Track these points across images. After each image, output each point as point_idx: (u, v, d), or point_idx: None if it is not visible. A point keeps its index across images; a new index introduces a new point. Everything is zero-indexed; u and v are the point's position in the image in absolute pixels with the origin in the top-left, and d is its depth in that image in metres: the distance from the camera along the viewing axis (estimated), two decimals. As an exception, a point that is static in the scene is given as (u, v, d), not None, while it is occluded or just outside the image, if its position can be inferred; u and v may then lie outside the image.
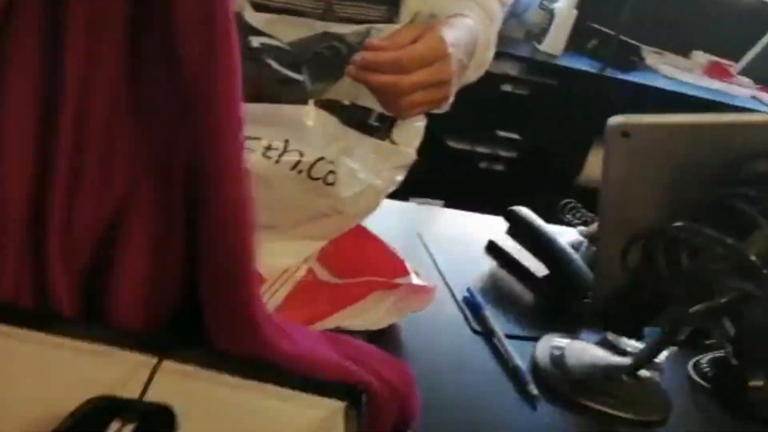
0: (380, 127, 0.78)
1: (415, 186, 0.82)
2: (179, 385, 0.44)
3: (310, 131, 0.68)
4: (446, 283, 0.91)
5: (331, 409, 0.46)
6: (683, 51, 3.02)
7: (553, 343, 0.84)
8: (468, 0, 0.83)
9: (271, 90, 0.69)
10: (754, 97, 2.71)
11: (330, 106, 0.73)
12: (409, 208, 1.11)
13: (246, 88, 0.43)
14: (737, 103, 2.60)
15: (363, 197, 0.75)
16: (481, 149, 2.44)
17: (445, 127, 2.39)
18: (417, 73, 0.63)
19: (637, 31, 2.66)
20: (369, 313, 0.72)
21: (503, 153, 2.48)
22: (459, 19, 0.74)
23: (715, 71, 2.89)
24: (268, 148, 0.67)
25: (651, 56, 2.83)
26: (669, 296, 0.53)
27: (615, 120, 0.53)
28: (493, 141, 2.47)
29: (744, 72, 0.90)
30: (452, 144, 2.38)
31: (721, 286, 0.47)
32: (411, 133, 0.82)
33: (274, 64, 0.69)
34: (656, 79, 2.64)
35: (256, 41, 0.71)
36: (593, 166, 2.57)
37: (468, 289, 0.89)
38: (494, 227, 1.04)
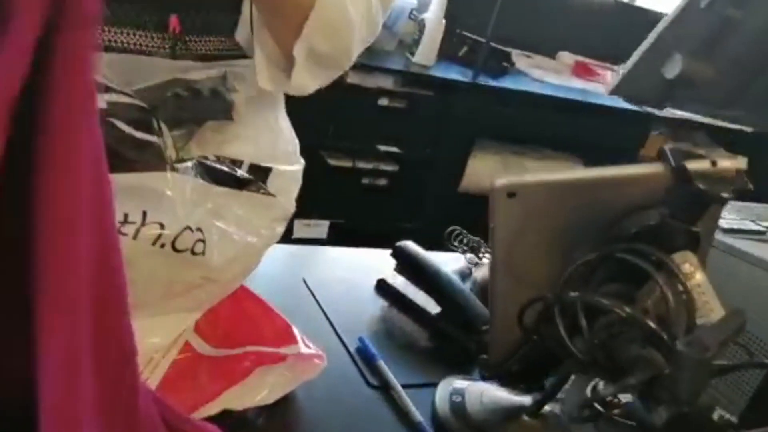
0: (253, 180, 0.73)
1: (299, 207, 0.77)
2: None
3: (170, 200, 0.61)
4: (337, 335, 0.86)
5: None
6: (551, 53, 3.13)
7: (452, 387, 0.80)
8: None
9: (123, 156, 0.61)
10: (617, 95, 2.84)
11: (193, 165, 0.66)
12: (292, 251, 1.05)
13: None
14: (603, 101, 2.71)
15: (239, 260, 0.69)
16: (362, 165, 2.41)
17: (326, 145, 2.35)
18: None
19: (505, 36, 2.72)
20: (255, 391, 0.66)
21: (385, 167, 2.46)
22: None
23: (582, 71, 3.01)
24: (124, 222, 0.60)
25: (520, 60, 2.91)
26: (572, 357, 0.51)
27: (500, 181, 0.50)
28: (374, 156, 2.45)
29: (616, 92, 0.91)
30: (333, 162, 2.34)
31: (627, 354, 0.45)
32: (288, 181, 0.77)
33: (123, 126, 0.62)
34: (527, 82, 2.71)
35: (101, 99, 0.63)
36: (473, 173, 2.61)
37: (360, 339, 0.85)
38: (383, 264, 1.01)
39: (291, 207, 0.76)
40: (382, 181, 2.49)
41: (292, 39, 0.67)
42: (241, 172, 0.72)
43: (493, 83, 2.54)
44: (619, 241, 0.49)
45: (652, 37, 0.83)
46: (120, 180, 0.60)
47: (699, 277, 0.48)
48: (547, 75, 2.84)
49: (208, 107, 0.74)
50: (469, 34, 2.70)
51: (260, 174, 0.75)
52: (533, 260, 0.52)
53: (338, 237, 2.34)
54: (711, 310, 0.47)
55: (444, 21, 2.51)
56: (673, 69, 0.83)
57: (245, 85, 0.74)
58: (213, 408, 0.64)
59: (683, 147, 0.49)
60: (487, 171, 2.58)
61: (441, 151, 2.53)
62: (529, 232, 0.51)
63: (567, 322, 0.48)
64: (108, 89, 0.64)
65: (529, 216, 0.50)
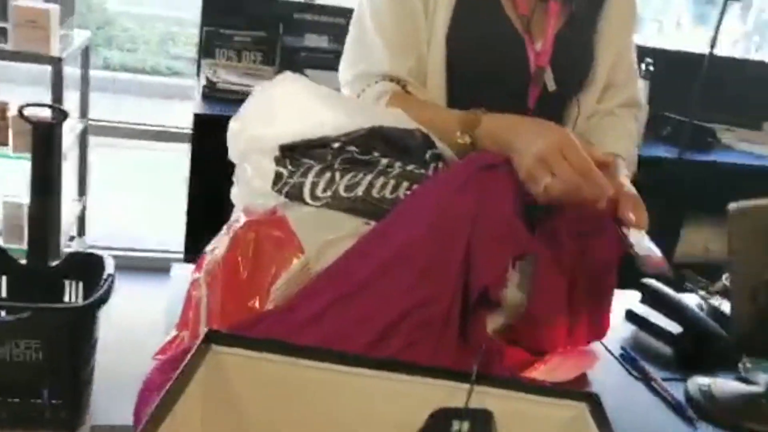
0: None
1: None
2: (481, 400, 0.70)
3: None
4: (605, 347, 1.14)
5: (577, 409, 0.71)
6: (755, 126, 3.22)
7: (699, 382, 1.06)
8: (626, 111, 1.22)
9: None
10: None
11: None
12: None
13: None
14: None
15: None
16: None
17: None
18: None
19: (708, 114, 2.89)
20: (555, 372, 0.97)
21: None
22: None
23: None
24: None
25: (725, 134, 3.05)
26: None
27: (734, 205, 0.79)
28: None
29: None
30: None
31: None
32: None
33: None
34: (733, 155, 2.85)
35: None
36: (687, 243, 2.76)
37: (622, 347, 1.13)
38: (629, 298, 1.29)
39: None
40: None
41: None
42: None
43: (699, 158, 2.72)
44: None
45: None
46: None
47: None
48: (752, 147, 2.96)
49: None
50: (672, 115, 2.90)
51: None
52: (759, 260, 0.79)
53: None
54: None
55: (647, 105, 2.75)
56: None
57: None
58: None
59: None
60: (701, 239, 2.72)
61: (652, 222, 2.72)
62: (756, 239, 0.78)
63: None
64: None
65: (756, 230, 0.78)
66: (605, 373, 1.07)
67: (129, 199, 3.46)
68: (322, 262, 0.89)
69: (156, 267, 2.71)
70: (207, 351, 0.68)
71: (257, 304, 0.88)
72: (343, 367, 0.70)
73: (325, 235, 0.90)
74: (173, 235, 2.41)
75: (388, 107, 1.09)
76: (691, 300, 1.31)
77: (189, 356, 0.64)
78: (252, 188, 0.99)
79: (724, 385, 1.05)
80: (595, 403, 0.71)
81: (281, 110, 0.98)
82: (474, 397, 0.70)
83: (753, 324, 0.85)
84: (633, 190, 1.02)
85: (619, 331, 1.23)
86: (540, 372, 0.96)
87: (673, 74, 2.76)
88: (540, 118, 1.01)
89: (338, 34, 2.58)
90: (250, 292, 0.89)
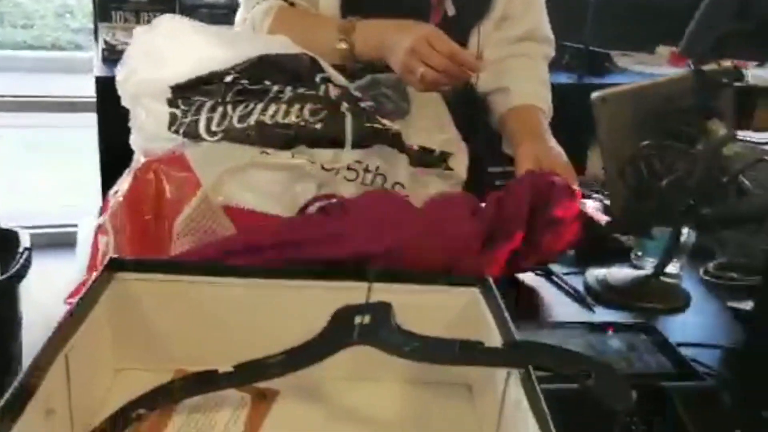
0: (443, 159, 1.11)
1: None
2: (381, 296, 0.74)
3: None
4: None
5: (471, 294, 0.76)
6: (648, 48, 3.37)
7: (595, 273, 1.14)
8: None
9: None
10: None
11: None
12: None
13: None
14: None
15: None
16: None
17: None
18: None
19: (603, 40, 3.01)
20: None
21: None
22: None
23: (676, 60, 3.23)
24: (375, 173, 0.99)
25: (621, 59, 3.18)
26: (662, 202, 0.84)
27: (595, 93, 0.87)
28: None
29: (684, 52, 1.18)
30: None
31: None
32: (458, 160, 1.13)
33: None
34: (630, 76, 2.98)
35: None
36: (596, 163, 2.88)
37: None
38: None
39: (463, 175, 1.13)
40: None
41: None
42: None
43: (597, 81, 2.83)
44: (676, 117, 0.82)
45: (704, 3, 1.16)
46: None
47: (723, 131, 0.80)
48: (647, 68, 3.10)
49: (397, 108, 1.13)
50: (569, 44, 3.00)
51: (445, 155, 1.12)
52: (626, 140, 0.86)
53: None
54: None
55: (546, 36, 2.84)
56: (721, 28, 1.14)
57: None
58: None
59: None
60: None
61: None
62: (620, 122, 0.85)
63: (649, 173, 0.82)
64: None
65: (617, 113, 0.84)
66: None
67: (40, 177, 3.36)
68: (223, 192, 0.92)
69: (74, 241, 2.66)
70: (110, 278, 0.70)
71: (164, 241, 0.90)
72: (244, 280, 0.73)
73: (222, 166, 0.92)
74: (90, 207, 2.37)
75: (274, 22, 1.17)
76: (590, 204, 1.40)
77: (90, 282, 0.66)
78: (148, 132, 1.00)
79: (618, 272, 1.13)
80: (486, 287, 0.76)
81: (167, 51, 0.98)
82: (376, 293, 0.74)
83: (625, 203, 0.92)
84: (565, 157, 1.17)
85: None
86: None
87: (568, 3, 2.85)
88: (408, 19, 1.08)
89: (236, -13, 2.55)
90: (156, 230, 0.91)
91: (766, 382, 0.83)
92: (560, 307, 1.06)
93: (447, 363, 0.66)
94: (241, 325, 0.73)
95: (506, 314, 0.70)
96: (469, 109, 1.30)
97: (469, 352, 0.64)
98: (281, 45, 0.99)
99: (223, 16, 2.50)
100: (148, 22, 2.48)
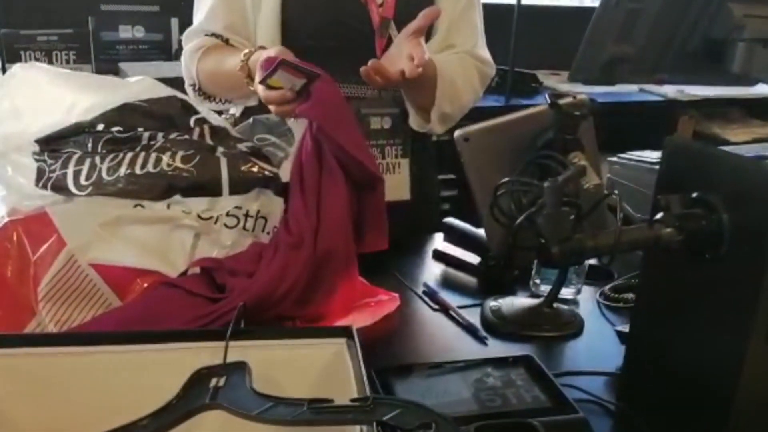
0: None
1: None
2: (240, 354, 0.72)
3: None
4: (410, 288, 1.20)
5: (338, 345, 0.75)
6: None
7: (491, 304, 1.13)
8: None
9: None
10: (642, 90, 3.12)
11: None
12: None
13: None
14: (630, 99, 2.99)
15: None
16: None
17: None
18: None
19: (529, 60, 3.05)
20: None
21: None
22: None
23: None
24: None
25: (548, 78, 3.23)
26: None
27: (457, 132, 0.87)
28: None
29: (572, 77, 1.20)
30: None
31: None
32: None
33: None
34: (556, 96, 3.02)
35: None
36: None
37: (424, 284, 1.19)
38: (435, 239, 1.35)
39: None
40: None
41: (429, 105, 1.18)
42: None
43: (525, 102, 2.87)
44: (536, 153, 0.82)
45: (588, 30, 1.17)
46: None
47: (583, 162, 0.80)
48: (574, 87, 3.14)
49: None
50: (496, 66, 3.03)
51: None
52: (492, 177, 0.86)
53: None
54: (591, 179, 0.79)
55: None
56: (606, 53, 1.16)
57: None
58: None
59: (560, 93, 0.83)
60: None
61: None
62: (484, 159, 0.85)
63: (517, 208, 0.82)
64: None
65: (480, 150, 0.84)
66: (411, 310, 1.13)
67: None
68: (92, 250, 0.89)
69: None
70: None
71: (28, 305, 0.86)
72: (97, 348, 0.70)
73: (90, 223, 0.89)
74: None
75: (199, 63, 1.24)
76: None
77: None
78: (17, 188, 0.96)
79: (513, 302, 1.13)
80: (349, 336, 0.75)
81: (26, 102, 0.95)
82: (236, 352, 0.72)
83: (502, 238, 0.92)
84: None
85: (429, 270, 1.30)
86: (347, 321, 1.00)
87: (491, 26, 2.89)
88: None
89: (153, 23, 2.51)
90: (19, 293, 0.87)
91: (641, 408, 0.83)
92: (455, 341, 1.05)
93: (296, 424, 0.64)
94: (93, 395, 0.70)
95: (362, 367, 0.68)
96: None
97: (317, 412, 0.62)
98: (149, 90, 0.97)
99: (143, 52, 2.46)
100: (65, 61, 2.49)
